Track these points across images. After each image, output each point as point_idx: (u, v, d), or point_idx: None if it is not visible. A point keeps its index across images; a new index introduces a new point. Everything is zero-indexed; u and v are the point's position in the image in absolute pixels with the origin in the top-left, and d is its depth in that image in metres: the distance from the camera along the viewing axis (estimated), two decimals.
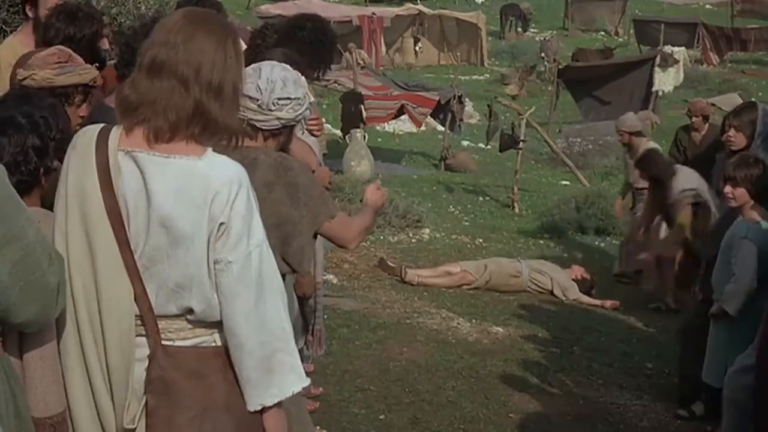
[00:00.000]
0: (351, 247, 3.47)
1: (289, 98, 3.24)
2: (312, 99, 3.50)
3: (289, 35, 4.90)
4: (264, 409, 2.44)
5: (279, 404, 2.45)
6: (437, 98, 16.37)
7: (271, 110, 3.22)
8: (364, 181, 12.33)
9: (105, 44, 5.00)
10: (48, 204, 2.57)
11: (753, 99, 21.26)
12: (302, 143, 4.30)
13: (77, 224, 2.37)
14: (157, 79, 2.34)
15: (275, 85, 3.22)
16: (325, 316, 6.98)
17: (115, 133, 2.40)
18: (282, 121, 3.26)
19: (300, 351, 3.88)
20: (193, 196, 2.32)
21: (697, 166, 9.83)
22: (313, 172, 3.73)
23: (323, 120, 7.45)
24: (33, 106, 2.71)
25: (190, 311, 2.37)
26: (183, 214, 2.31)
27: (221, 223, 2.32)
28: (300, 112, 3.30)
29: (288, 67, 3.36)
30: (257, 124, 3.23)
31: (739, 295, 5.21)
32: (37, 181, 2.63)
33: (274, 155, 3.22)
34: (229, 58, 2.40)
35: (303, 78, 3.40)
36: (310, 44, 4.85)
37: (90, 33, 4.47)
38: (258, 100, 3.20)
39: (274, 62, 3.39)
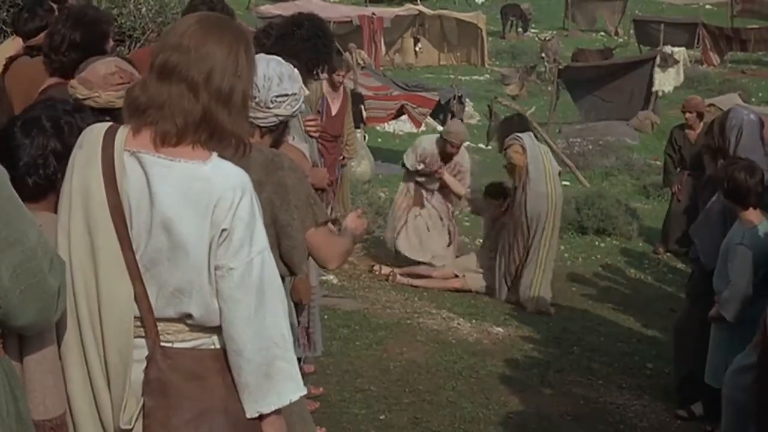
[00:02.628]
0: (330, 266, 3.36)
1: (286, 95, 3.24)
2: (306, 92, 3.48)
3: (287, 34, 4.92)
4: (262, 416, 2.43)
5: (277, 411, 2.45)
6: (437, 98, 16.37)
7: (269, 108, 3.22)
8: (364, 181, 12.34)
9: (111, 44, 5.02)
10: None
11: (753, 99, 21.33)
12: (295, 150, 4.29)
13: (80, 222, 2.37)
14: (166, 83, 2.34)
15: (272, 82, 3.21)
16: (325, 317, 7.00)
17: (122, 133, 2.40)
18: (280, 118, 3.26)
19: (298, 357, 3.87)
20: (196, 200, 2.31)
21: (694, 165, 9.87)
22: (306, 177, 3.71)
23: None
24: (60, 111, 2.71)
25: (189, 316, 2.37)
26: (185, 217, 2.31)
27: (223, 229, 2.32)
28: (297, 107, 3.30)
29: (281, 60, 3.34)
30: (255, 121, 3.21)
31: (736, 301, 5.20)
32: (54, 185, 2.63)
33: (267, 152, 3.19)
34: (241, 66, 2.39)
35: (296, 71, 3.38)
36: (308, 41, 4.88)
37: (97, 37, 4.47)
38: (256, 98, 3.19)
39: (268, 56, 3.37)
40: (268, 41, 5.06)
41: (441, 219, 8.92)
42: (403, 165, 9.00)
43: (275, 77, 3.22)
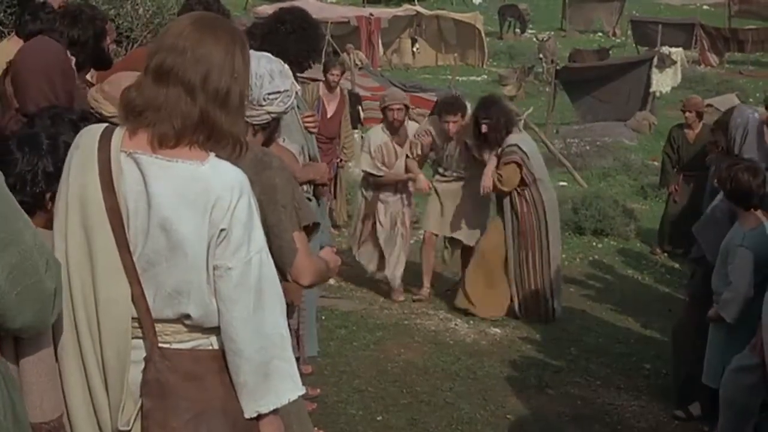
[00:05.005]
0: (303, 281, 3.15)
1: (278, 92, 3.22)
2: (298, 88, 3.46)
3: (272, 31, 4.92)
4: (260, 416, 2.43)
5: (275, 411, 2.45)
6: (435, 99, 16.37)
7: (261, 105, 3.20)
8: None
9: (109, 44, 5.02)
10: None
11: (750, 100, 21.34)
12: (286, 152, 4.27)
13: (77, 224, 2.37)
14: (163, 85, 2.33)
15: (263, 79, 3.19)
16: (323, 317, 7.00)
17: (118, 134, 2.39)
18: (272, 115, 3.24)
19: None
20: (194, 200, 2.31)
21: (691, 166, 9.87)
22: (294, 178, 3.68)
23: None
24: (62, 130, 2.68)
25: (187, 317, 2.37)
26: (183, 218, 2.30)
27: (222, 229, 2.31)
28: (289, 103, 3.28)
29: (271, 56, 3.33)
30: (248, 120, 3.19)
31: (736, 302, 5.18)
32: (42, 204, 2.60)
33: (256, 151, 3.16)
34: (237, 66, 2.39)
35: (287, 67, 3.37)
36: (293, 34, 4.87)
37: (94, 34, 4.47)
38: (248, 96, 3.17)
39: (258, 53, 3.36)
40: (254, 42, 5.06)
41: (395, 224, 8.26)
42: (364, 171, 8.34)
43: (266, 75, 3.21)
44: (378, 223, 8.24)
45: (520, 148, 7.64)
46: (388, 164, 8.18)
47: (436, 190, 8.25)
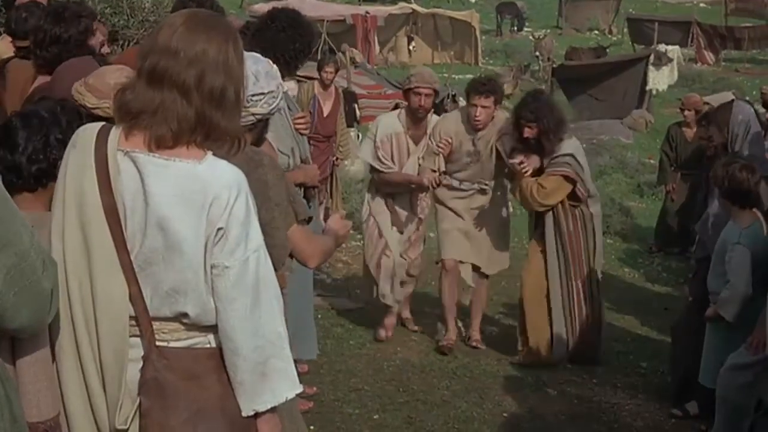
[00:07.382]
0: (311, 264, 3.38)
1: (262, 93, 3.19)
2: (286, 88, 3.42)
3: (263, 28, 4.91)
4: (257, 414, 2.44)
5: (273, 409, 2.45)
6: None
7: (246, 107, 3.18)
8: (357, 180, 12.32)
9: (102, 45, 4.99)
10: None
11: (747, 98, 21.35)
12: (267, 145, 4.26)
13: (74, 222, 2.36)
14: (157, 88, 2.31)
15: (248, 81, 3.17)
16: (319, 316, 6.98)
17: (115, 133, 2.38)
18: (257, 116, 3.22)
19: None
20: (192, 199, 2.30)
21: (689, 164, 9.86)
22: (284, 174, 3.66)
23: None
24: (56, 108, 2.75)
25: (185, 315, 2.37)
26: (180, 217, 2.30)
27: (219, 228, 2.31)
28: (274, 105, 3.26)
29: (259, 57, 3.30)
30: None
31: (735, 301, 5.16)
32: (55, 174, 2.58)
33: (246, 149, 3.16)
34: (231, 63, 2.37)
35: (275, 68, 3.34)
36: (283, 32, 4.85)
37: (77, 32, 4.43)
38: (244, 92, 3.15)
39: (245, 53, 3.33)
40: (246, 41, 5.03)
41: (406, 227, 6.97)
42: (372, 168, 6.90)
43: (251, 76, 3.18)
44: (385, 242, 6.92)
45: (576, 160, 6.41)
46: (397, 161, 6.79)
47: (454, 210, 6.81)
